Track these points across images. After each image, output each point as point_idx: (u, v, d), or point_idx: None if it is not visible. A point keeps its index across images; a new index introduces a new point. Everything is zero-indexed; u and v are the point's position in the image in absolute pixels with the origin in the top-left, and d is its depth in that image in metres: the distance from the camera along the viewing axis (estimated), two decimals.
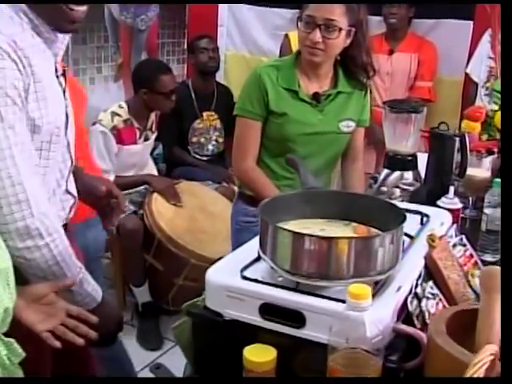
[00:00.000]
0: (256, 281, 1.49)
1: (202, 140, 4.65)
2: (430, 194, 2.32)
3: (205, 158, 4.68)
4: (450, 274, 1.64)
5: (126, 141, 3.82)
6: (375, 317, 1.31)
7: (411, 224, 1.84)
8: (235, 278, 1.51)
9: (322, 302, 1.39)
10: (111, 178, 3.70)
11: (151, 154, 4.48)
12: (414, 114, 2.70)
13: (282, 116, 2.43)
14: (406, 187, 2.65)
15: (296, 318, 1.41)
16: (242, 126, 2.52)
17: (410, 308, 1.44)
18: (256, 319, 1.46)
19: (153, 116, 3.97)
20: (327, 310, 1.36)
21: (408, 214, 1.91)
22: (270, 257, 1.46)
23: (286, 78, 2.43)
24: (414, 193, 2.47)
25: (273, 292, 1.45)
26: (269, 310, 1.44)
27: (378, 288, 1.44)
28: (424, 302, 1.50)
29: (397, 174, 2.70)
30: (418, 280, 1.54)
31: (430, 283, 1.58)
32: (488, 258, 2.07)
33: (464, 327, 1.34)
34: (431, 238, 1.66)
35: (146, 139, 3.98)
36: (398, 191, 2.64)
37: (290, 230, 1.39)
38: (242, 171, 2.54)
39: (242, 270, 1.54)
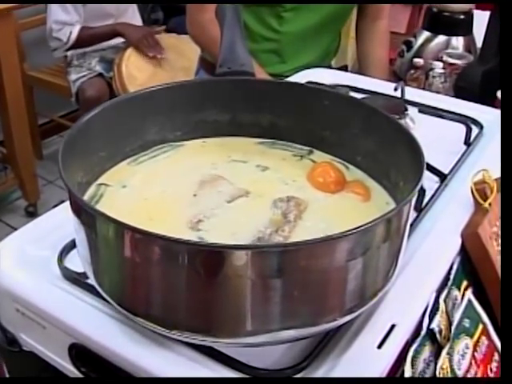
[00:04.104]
0: (83, 284, 0.68)
1: None
2: (487, 77, 1.50)
3: None
4: None
5: None
6: None
7: (446, 142, 0.98)
8: (35, 274, 0.69)
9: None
10: (76, 30, 2.88)
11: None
12: None
13: None
14: (453, 61, 1.77)
15: None
16: None
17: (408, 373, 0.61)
18: (65, 365, 0.66)
19: None
20: None
21: (442, 121, 1.07)
22: (86, 259, 0.62)
23: None
24: (462, 73, 1.56)
25: (90, 327, 0.62)
26: (84, 356, 0.64)
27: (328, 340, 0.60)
28: (449, 347, 0.66)
29: (441, 38, 1.89)
30: (440, 291, 0.70)
31: (469, 293, 0.74)
32: None
33: None
34: (478, 189, 0.79)
35: None
36: (439, 66, 1.76)
37: (108, 217, 0.52)
38: (197, 25, 1.65)
39: (63, 253, 0.72)
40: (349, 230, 0.49)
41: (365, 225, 0.50)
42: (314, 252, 0.50)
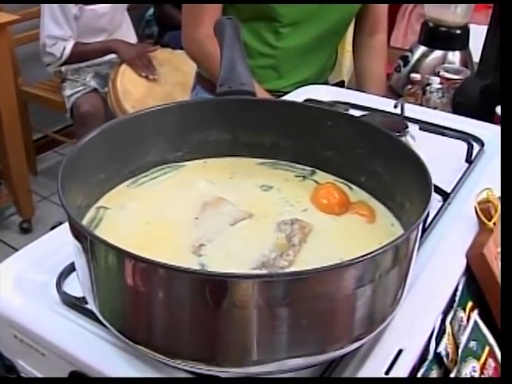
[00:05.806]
0: (83, 309, 0.66)
1: None
2: (486, 92, 1.44)
3: None
4: None
5: None
6: None
7: (448, 160, 0.97)
8: (33, 300, 0.68)
9: None
10: (69, 45, 2.86)
11: (144, 14, 3.70)
12: None
13: None
14: (450, 75, 1.76)
15: None
16: None
17: None
18: None
19: None
20: None
21: (442, 138, 1.07)
22: (86, 285, 0.60)
23: None
24: (460, 88, 1.55)
25: (90, 355, 0.61)
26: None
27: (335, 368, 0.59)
28: (457, 370, 0.65)
29: (437, 53, 1.89)
30: (446, 313, 0.69)
31: (475, 315, 0.72)
32: None
33: None
34: (482, 208, 0.78)
35: None
36: (436, 81, 1.75)
37: (109, 245, 0.51)
38: (192, 41, 1.63)
39: (61, 277, 0.70)
40: (358, 257, 0.47)
41: (374, 251, 0.48)
42: (322, 280, 0.48)
